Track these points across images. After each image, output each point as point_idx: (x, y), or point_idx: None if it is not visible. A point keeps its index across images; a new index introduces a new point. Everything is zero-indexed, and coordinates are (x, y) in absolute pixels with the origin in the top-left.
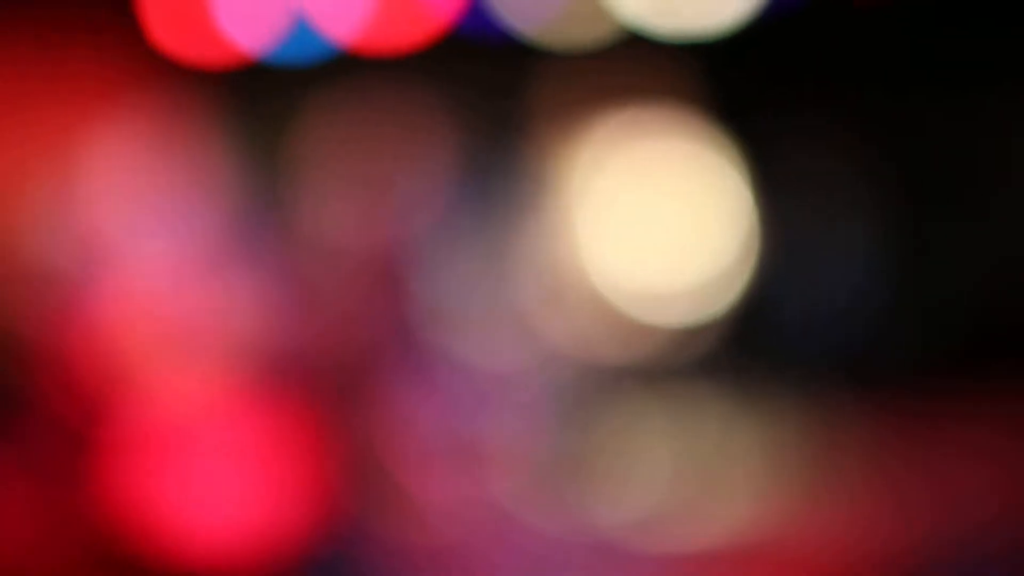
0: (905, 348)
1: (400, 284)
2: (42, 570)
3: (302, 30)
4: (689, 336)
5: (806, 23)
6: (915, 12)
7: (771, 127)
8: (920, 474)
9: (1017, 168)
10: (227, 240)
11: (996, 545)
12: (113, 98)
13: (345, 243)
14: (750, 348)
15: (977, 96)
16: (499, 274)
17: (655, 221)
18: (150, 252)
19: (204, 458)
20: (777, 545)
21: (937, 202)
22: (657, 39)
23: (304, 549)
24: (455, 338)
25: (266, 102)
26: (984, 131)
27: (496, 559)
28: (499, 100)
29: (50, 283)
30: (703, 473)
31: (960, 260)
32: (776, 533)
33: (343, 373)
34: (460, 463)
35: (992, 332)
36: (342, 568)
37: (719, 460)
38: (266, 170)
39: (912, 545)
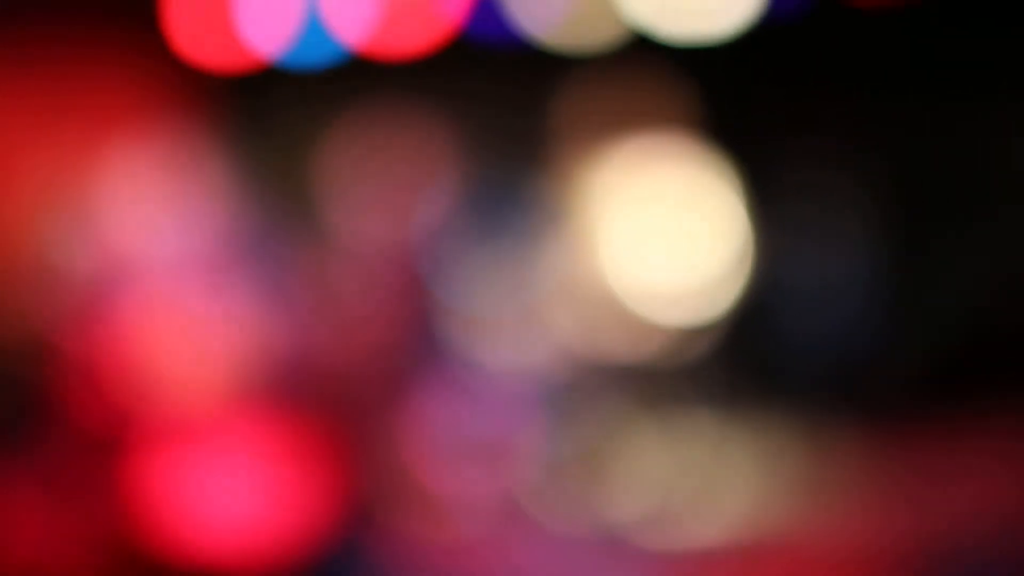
0: (903, 362)
1: (417, 286)
2: (61, 572)
3: (315, 34)
4: (691, 336)
5: (805, 35)
6: (915, 22)
7: (771, 143)
8: (914, 482)
9: (1020, 184)
10: (245, 245)
11: (987, 555)
12: (136, 107)
13: (364, 246)
14: (749, 361)
15: (981, 114)
16: (514, 276)
17: (660, 230)
18: (170, 259)
19: (221, 460)
20: (778, 543)
21: (938, 217)
22: (664, 42)
23: (320, 547)
24: (470, 338)
25: (283, 108)
26: (987, 146)
27: (509, 555)
28: (511, 110)
29: (72, 289)
30: (705, 473)
31: (961, 275)
32: (776, 532)
33: (360, 374)
34: (474, 461)
35: (992, 346)
36: (359, 565)
37: (720, 461)
38: (286, 176)
39: (905, 547)
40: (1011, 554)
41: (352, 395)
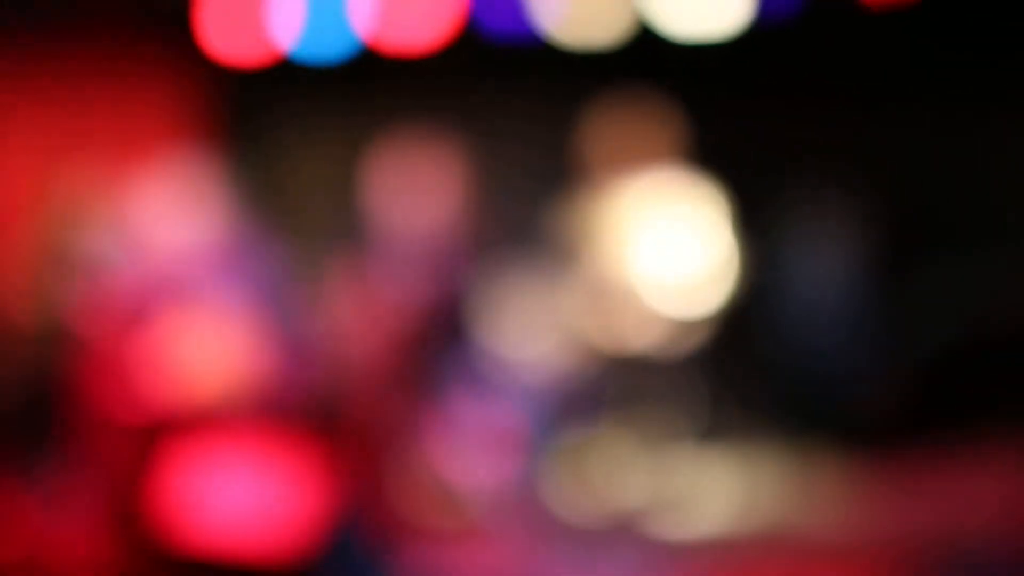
0: (895, 373)
1: (439, 281)
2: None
3: (328, 28)
4: (691, 327)
5: (796, 48)
6: (909, 34)
7: (765, 164)
8: (905, 483)
9: (1012, 202)
10: (266, 247)
11: (980, 557)
12: (166, 111)
13: (390, 243)
14: (741, 370)
15: (974, 130)
16: (537, 276)
17: (664, 236)
18: (197, 260)
19: (237, 452)
20: (774, 537)
21: (930, 235)
22: (669, 39)
23: (331, 536)
24: (488, 331)
25: (303, 114)
26: (977, 167)
27: (519, 542)
28: (526, 116)
29: (101, 283)
30: (702, 467)
31: (951, 291)
32: (771, 527)
33: (379, 366)
34: (487, 450)
35: (982, 355)
36: (372, 552)
37: (717, 456)
38: (313, 183)
39: (897, 544)
40: (1005, 556)
41: (369, 386)
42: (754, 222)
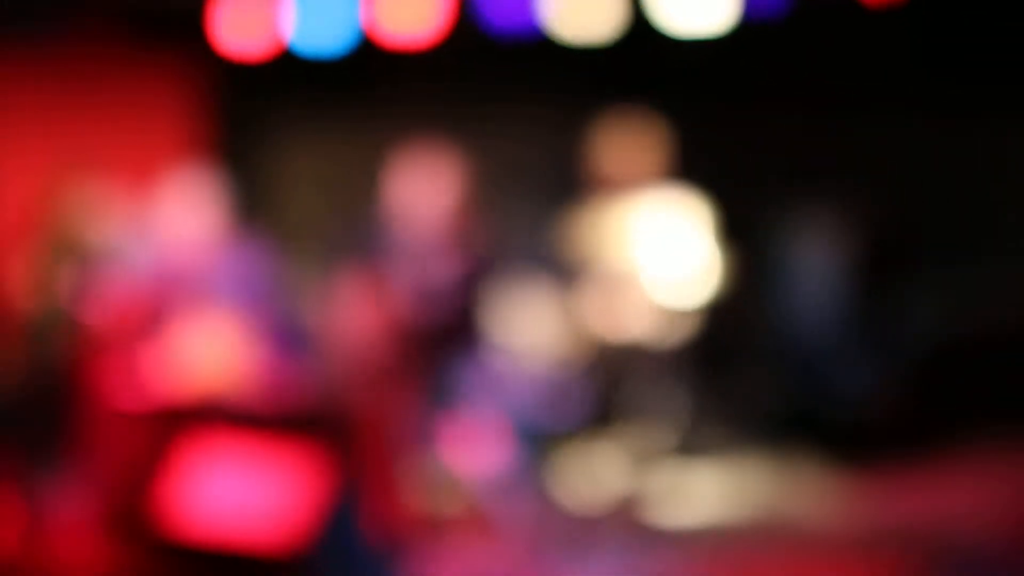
0: (883, 380)
1: (446, 274)
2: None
3: (329, 21)
4: (684, 317)
5: (785, 54)
6: (909, 44)
7: (753, 176)
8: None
9: (1006, 212)
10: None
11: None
12: (180, 118)
13: (402, 233)
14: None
15: (970, 143)
16: (539, 272)
17: (662, 240)
18: (208, 261)
19: (241, 446)
20: (759, 528)
21: (919, 246)
22: (665, 34)
23: (335, 524)
24: (495, 324)
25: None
26: (974, 176)
27: (520, 528)
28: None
29: (110, 282)
30: (693, 463)
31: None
32: (757, 518)
33: (387, 355)
34: (491, 440)
35: (967, 363)
36: (377, 541)
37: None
38: (327, 187)
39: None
40: (1001, 555)
41: (373, 380)
42: (750, 225)
